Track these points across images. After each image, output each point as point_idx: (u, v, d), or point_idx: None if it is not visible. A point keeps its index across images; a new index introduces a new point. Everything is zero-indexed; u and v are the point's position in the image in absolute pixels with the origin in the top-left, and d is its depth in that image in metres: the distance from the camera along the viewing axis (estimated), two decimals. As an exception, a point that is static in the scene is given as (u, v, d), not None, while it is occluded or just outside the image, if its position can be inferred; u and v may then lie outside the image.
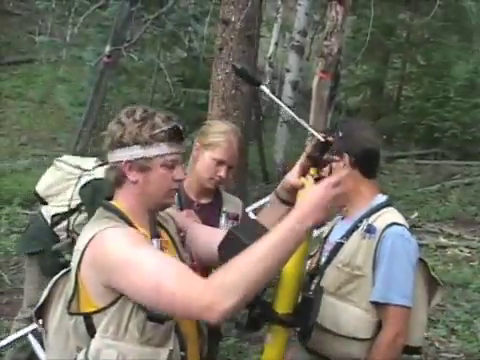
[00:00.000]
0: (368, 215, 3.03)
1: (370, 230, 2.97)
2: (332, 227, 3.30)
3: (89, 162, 4.47)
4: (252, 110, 9.71)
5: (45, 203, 4.47)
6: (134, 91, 13.45)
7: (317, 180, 2.43)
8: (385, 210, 3.07)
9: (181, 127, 2.42)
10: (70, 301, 2.33)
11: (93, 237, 2.25)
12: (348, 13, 9.27)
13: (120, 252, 2.19)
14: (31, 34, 21.08)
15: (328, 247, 3.16)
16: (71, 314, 2.32)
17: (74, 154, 9.33)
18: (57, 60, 19.60)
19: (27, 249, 4.60)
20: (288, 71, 13.87)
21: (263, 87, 2.59)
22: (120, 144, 2.40)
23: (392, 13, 18.77)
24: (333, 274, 3.03)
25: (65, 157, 4.62)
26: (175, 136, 2.41)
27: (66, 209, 4.35)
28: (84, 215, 4.29)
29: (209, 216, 3.36)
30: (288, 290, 2.48)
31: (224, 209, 3.44)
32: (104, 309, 2.24)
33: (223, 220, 3.39)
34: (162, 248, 2.40)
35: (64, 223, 4.35)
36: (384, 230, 2.94)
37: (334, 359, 3.02)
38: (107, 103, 12.37)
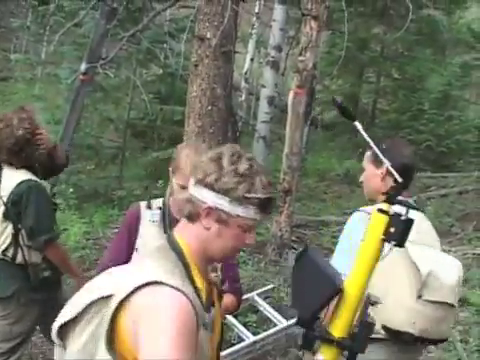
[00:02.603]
0: None
1: None
2: None
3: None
4: (228, 126, 9.73)
5: None
6: (110, 108, 13.43)
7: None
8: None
9: (273, 201, 2.30)
10: (108, 337, 2.13)
11: (145, 285, 2.08)
12: (323, 28, 9.37)
13: (162, 341, 2.00)
14: (6, 52, 21.05)
15: None
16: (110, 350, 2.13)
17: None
18: (32, 78, 19.53)
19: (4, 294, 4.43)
20: (264, 87, 13.94)
21: (357, 123, 2.62)
22: (211, 187, 2.22)
23: (366, 28, 18.96)
24: None
25: None
26: (266, 207, 2.27)
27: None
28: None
29: None
30: (350, 313, 2.47)
31: None
32: None
33: None
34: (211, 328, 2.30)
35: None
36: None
37: None
38: (83, 121, 12.34)
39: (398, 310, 3.23)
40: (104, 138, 13.23)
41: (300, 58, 8.70)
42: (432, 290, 3.26)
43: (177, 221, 3.38)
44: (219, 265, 3.32)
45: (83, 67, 9.83)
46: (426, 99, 16.68)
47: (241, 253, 8.41)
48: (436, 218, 11.06)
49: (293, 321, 6.22)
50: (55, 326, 2.33)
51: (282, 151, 9.10)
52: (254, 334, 6.04)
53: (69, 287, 7.07)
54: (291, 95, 8.80)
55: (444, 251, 8.43)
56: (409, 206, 3.04)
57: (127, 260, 3.37)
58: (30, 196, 4.21)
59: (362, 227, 2.87)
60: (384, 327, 3.25)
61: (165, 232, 3.34)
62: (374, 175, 3.58)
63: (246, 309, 6.63)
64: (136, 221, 3.42)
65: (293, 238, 9.29)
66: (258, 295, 6.70)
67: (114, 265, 3.44)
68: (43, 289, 4.35)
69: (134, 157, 13.93)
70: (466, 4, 22.01)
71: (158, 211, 3.41)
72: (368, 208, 3.38)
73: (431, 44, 19.42)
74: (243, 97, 19.10)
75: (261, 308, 6.55)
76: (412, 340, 3.30)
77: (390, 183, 3.08)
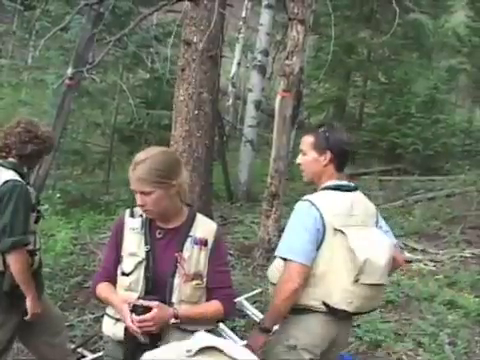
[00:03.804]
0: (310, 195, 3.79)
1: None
2: None
3: None
4: (216, 130, 9.72)
5: None
6: (97, 113, 13.39)
7: None
8: (320, 192, 3.80)
9: None
10: None
11: None
12: (309, 32, 9.39)
13: None
14: (-8, 57, 20.93)
15: None
16: None
17: (36, 177, 9.25)
18: (19, 83, 19.49)
19: None
20: (251, 91, 13.94)
21: None
22: None
23: (353, 32, 19.03)
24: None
25: None
26: None
27: None
28: None
29: (172, 241, 3.32)
30: None
31: (191, 233, 3.38)
32: None
33: (188, 244, 3.34)
34: None
35: None
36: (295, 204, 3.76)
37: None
38: (70, 126, 12.31)
39: (337, 291, 3.62)
40: (91, 143, 13.20)
41: (287, 62, 8.70)
42: (367, 274, 3.59)
43: (156, 228, 3.38)
44: (204, 272, 3.32)
45: (69, 72, 9.81)
46: (413, 103, 16.77)
47: (229, 257, 8.39)
48: (424, 221, 11.11)
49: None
50: None
51: (269, 155, 9.10)
52: (242, 338, 6.01)
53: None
54: (278, 99, 8.80)
55: (431, 254, 8.58)
56: (348, 189, 3.82)
57: (115, 268, 3.36)
58: (12, 195, 4.15)
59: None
60: (324, 303, 3.65)
61: (146, 240, 3.32)
62: (316, 161, 3.82)
63: (234, 314, 6.62)
64: (121, 229, 3.41)
65: (281, 242, 9.27)
66: (246, 299, 6.69)
67: (106, 273, 3.45)
68: (23, 297, 4.30)
69: (121, 162, 13.87)
70: (452, 9, 22.18)
71: (139, 219, 3.39)
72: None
73: (417, 48, 19.57)
74: (230, 101, 19.17)
75: (249, 312, 6.53)
76: (347, 315, 3.75)
77: (331, 169, 3.81)
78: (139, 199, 3.25)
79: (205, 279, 3.31)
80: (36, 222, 4.45)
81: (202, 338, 2.13)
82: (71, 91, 10.12)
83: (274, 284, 3.75)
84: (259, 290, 7.17)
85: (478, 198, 12.71)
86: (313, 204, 3.66)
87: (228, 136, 15.12)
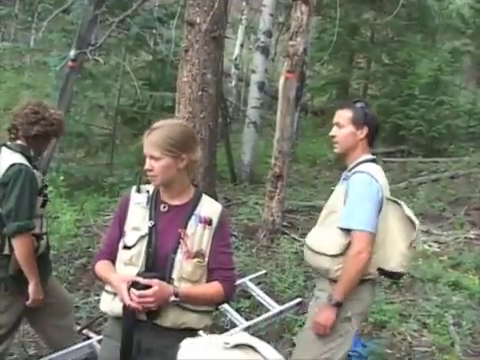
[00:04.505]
0: (351, 169, 4.02)
1: (345, 178, 4.01)
2: None
3: None
4: (219, 112, 9.69)
5: None
6: (100, 95, 13.35)
7: None
8: (362, 164, 3.98)
9: None
10: None
11: None
12: (313, 13, 9.33)
13: None
14: (-6, 40, 20.87)
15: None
16: None
17: (40, 160, 9.22)
18: (21, 66, 19.45)
19: None
20: (254, 72, 13.89)
21: None
22: None
23: (356, 13, 18.93)
24: (324, 211, 4.14)
25: None
26: None
27: None
28: None
29: (176, 217, 3.32)
30: None
31: (196, 212, 3.38)
32: None
33: (192, 221, 3.34)
34: None
35: None
36: (351, 177, 3.93)
37: (315, 270, 4.19)
38: (73, 108, 12.28)
39: (394, 256, 3.97)
40: (94, 125, 13.17)
41: (290, 43, 8.65)
42: (416, 239, 4.02)
43: (162, 203, 3.38)
44: (207, 251, 3.32)
45: (72, 54, 9.77)
46: (416, 84, 16.63)
47: (233, 239, 8.39)
48: (428, 203, 11.09)
49: (286, 306, 6.21)
50: None
51: (273, 137, 9.07)
52: (247, 319, 6.02)
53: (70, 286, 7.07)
54: (282, 79, 8.76)
55: (435, 235, 8.79)
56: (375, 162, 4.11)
57: (118, 243, 3.36)
58: (17, 179, 4.14)
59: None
60: (379, 269, 3.96)
61: (150, 215, 3.33)
62: (353, 134, 4.03)
63: (238, 295, 6.62)
64: (126, 204, 3.41)
65: (285, 223, 9.26)
66: (250, 280, 6.68)
67: (107, 248, 3.45)
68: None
69: (124, 144, 13.88)
70: (456, -11, 22.04)
71: (145, 194, 3.39)
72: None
73: (421, 29, 19.42)
74: (233, 83, 19.11)
75: (254, 293, 6.53)
76: (398, 277, 4.25)
77: (365, 143, 4.06)
78: (147, 163, 3.28)
79: (207, 259, 3.30)
80: (43, 206, 4.44)
81: (241, 334, 2.16)
82: (74, 73, 10.08)
83: (319, 253, 3.98)
84: (263, 271, 7.17)
85: (482, 180, 12.70)
86: (372, 176, 3.89)
87: (231, 118, 15.08)
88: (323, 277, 4.05)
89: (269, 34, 13.95)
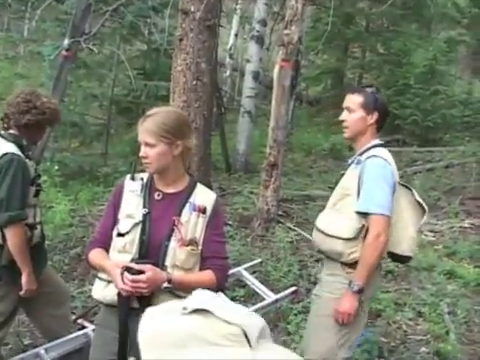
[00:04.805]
0: (363, 153, 4.03)
1: (358, 162, 4.01)
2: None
3: None
4: (214, 101, 9.67)
5: None
6: (94, 85, 13.31)
7: None
8: (373, 149, 4.02)
9: None
10: None
11: None
12: (308, 2, 9.30)
13: None
14: (-13, 30, 20.78)
15: (340, 176, 4.22)
16: None
17: (34, 150, 9.19)
18: (15, 56, 19.37)
19: None
20: (248, 61, 13.84)
21: None
22: None
23: (351, 2, 18.87)
24: (334, 195, 4.12)
25: None
26: None
27: None
28: None
29: (170, 205, 3.33)
30: None
31: (190, 200, 3.38)
32: None
33: (186, 210, 3.34)
34: None
35: None
36: (365, 160, 3.94)
37: (326, 253, 4.12)
38: (67, 98, 12.24)
39: (405, 239, 4.03)
40: (88, 115, 13.13)
41: (285, 31, 8.62)
42: (423, 224, 4.14)
43: (156, 191, 3.37)
44: (200, 239, 3.31)
45: (66, 43, 9.73)
46: (412, 74, 16.61)
47: (227, 228, 8.39)
48: (423, 192, 11.06)
49: (281, 295, 6.21)
50: None
51: (268, 126, 9.05)
52: (242, 308, 6.01)
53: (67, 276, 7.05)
54: (276, 68, 8.73)
55: (430, 224, 8.88)
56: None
57: (112, 231, 3.36)
58: (9, 169, 4.11)
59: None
60: (389, 252, 4.04)
61: (144, 202, 3.34)
62: (363, 119, 4.05)
63: (233, 284, 6.62)
64: (120, 192, 3.41)
65: (280, 212, 9.26)
66: (245, 269, 6.67)
67: (101, 236, 3.45)
68: None
69: (119, 134, 13.85)
70: (451, -21, 21.96)
71: (139, 182, 3.39)
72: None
73: (417, 19, 19.38)
74: (228, 73, 19.07)
75: (248, 282, 6.52)
76: (406, 261, 4.29)
77: (374, 128, 4.09)
78: (142, 151, 3.28)
79: (200, 247, 3.31)
80: (36, 196, 4.41)
81: (198, 297, 2.19)
82: (68, 62, 10.05)
83: (332, 236, 3.99)
84: (258, 260, 7.16)
85: (477, 169, 12.68)
86: (386, 160, 3.95)
87: (226, 107, 15.04)
88: (334, 261, 4.05)
89: (264, 23, 13.89)
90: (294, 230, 8.85)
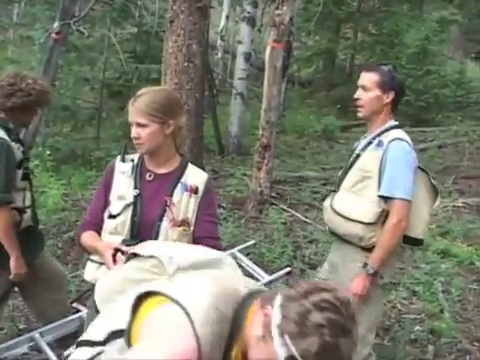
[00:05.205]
0: (380, 133, 3.96)
1: (379, 144, 3.91)
2: (359, 142, 4.18)
3: None
4: (206, 83, 9.62)
5: None
6: (85, 69, 13.23)
7: None
8: (393, 130, 3.95)
9: None
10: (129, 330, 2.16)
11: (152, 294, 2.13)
12: (299, -18, 9.26)
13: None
14: (-24, 15, 20.59)
15: (353, 157, 4.11)
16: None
17: (24, 135, 9.13)
18: (5, 40, 19.25)
19: None
20: (240, 43, 13.79)
21: None
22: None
23: (343, -17, 18.80)
24: (351, 174, 4.03)
25: None
26: None
27: None
28: None
29: (162, 185, 3.32)
30: None
31: (182, 180, 3.36)
32: None
33: (178, 190, 3.32)
34: None
35: None
36: (389, 143, 3.85)
37: (344, 236, 4.04)
38: (58, 82, 12.17)
39: (420, 222, 3.98)
40: (80, 99, 13.06)
41: (277, 12, 8.58)
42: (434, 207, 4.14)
43: (146, 171, 3.35)
44: (192, 219, 3.30)
45: (56, 25, 9.66)
46: (404, 54, 16.60)
47: (221, 210, 8.39)
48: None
49: (275, 276, 6.21)
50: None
51: (260, 108, 9.03)
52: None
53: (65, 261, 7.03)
54: (268, 49, 8.70)
55: None
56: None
57: (103, 213, 3.35)
58: None
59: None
60: (404, 236, 3.92)
61: (135, 183, 3.33)
62: (379, 98, 3.96)
63: (228, 265, 6.61)
64: (111, 173, 3.40)
65: (273, 194, 9.26)
66: (239, 251, 6.67)
67: (92, 219, 3.43)
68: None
69: (111, 118, 13.79)
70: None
71: (130, 163, 3.37)
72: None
73: (408, -1, 19.35)
74: (219, 55, 18.98)
75: (243, 264, 6.50)
76: (419, 244, 4.17)
77: (389, 108, 3.99)
78: (133, 131, 3.26)
79: (192, 227, 3.30)
80: (25, 179, 4.34)
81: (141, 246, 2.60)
82: (58, 46, 9.98)
83: (352, 220, 3.92)
84: (252, 242, 7.15)
85: (470, 149, 12.71)
86: (409, 143, 3.89)
87: (218, 90, 15.00)
88: (351, 245, 4.00)
89: (255, 4, 13.83)
90: (287, 211, 8.85)
